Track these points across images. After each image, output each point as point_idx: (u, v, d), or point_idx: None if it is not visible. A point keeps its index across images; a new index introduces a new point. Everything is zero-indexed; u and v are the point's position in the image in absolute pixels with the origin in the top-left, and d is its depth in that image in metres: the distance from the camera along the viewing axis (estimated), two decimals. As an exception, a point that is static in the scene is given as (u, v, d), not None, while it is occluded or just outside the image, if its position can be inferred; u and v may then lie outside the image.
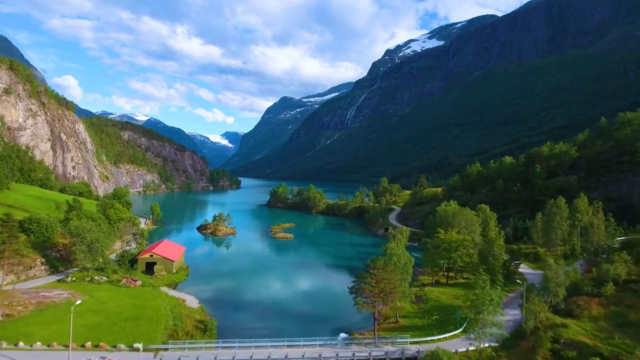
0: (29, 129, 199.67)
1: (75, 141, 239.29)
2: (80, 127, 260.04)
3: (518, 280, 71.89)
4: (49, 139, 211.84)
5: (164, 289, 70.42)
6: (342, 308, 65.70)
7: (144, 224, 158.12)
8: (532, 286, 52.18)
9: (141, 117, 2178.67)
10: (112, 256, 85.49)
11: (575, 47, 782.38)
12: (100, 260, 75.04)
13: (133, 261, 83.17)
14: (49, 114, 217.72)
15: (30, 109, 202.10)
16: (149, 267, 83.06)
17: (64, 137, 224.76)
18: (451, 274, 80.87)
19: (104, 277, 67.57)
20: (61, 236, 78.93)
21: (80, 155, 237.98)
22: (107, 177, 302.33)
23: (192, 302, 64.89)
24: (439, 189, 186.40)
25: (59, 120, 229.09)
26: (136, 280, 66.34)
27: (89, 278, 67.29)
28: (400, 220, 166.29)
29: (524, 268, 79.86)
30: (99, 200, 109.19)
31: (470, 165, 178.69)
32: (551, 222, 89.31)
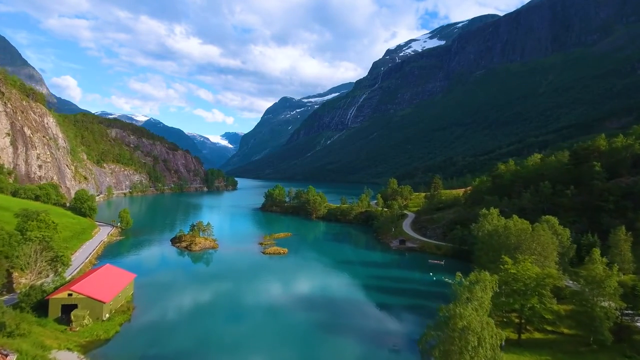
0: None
1: (43, 137, 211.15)
2: (50, 121, 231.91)
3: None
4: (8, 134, 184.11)
5: (70, 359, 43.06)
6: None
7: (107, 234, 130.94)
8: None
9: (141, 118, 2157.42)
10: (8, 298, 57.72)
11: (580, 46, 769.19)
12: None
13: (43, 303, 55.75)
14: (9, 105, 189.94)
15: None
16: (68, 311, 55.55)
17: (27, 132, 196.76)
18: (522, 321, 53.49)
19: (-43, 346, 40.47)
20: None
21: (48, 153, 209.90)
22: (85, 178, 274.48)
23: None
24: (461, 191, 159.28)
25: (23, 113, 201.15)
26: (7, 354, 39.10)
27: None
28: (417, 230, 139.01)
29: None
30: (21, 210, 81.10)
31: (498, 164, 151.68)
32: (654, 243, 62.52)
